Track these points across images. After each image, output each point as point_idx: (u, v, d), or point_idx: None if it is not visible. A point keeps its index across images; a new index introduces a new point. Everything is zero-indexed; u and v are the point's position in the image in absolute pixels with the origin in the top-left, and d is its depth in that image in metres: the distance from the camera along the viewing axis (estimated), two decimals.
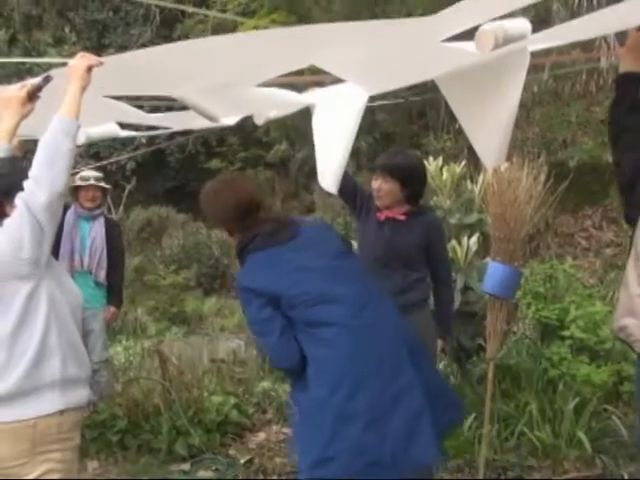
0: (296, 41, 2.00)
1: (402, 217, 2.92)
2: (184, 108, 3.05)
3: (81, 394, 2.08)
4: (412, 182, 2.91)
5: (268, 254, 2.17)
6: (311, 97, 2.99)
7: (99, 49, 2.49)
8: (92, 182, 4.33)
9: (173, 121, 3.63)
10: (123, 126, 3.69)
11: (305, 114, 3.15)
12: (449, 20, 1.83)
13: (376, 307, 2.16)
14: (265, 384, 4.71)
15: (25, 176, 1.98)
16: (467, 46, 2.04)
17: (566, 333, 3.86)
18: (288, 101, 3.00)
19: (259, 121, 3.45)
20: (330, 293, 2.11)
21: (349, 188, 3.04)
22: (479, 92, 2.33)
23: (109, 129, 3.56)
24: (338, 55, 2.14)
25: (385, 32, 1.93)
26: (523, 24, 1.92)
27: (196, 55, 2.13)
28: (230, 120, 3.74)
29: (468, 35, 1.96)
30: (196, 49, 2.11)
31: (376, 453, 2.00)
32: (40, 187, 1.93)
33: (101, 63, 2.07)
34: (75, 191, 4.33)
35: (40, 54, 10.81)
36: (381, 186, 2.89)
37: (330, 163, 2.74)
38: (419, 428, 2.03)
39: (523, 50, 2.17)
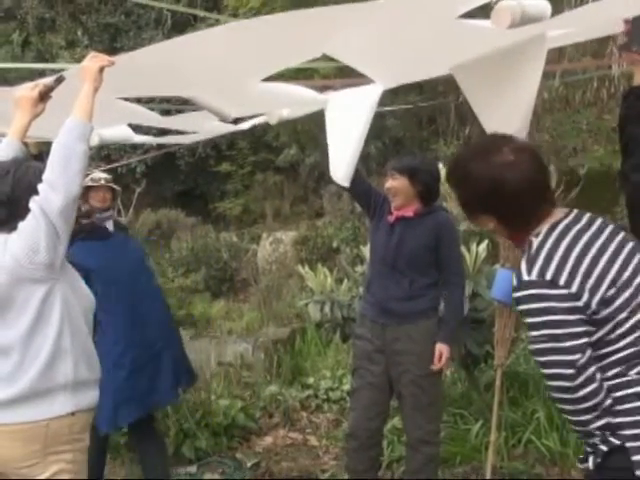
0: (307, 28, 1.96)
1: (411, 214, 2.93)
2: (196, 111, 3.06)
3: (92, 396, 2.10)
4: (421, 177, 2.94)
5: (90, 243, 3.14)
6: (325, 95, 2.99)
7: (111, 52, 2.51)
8: (103, 183, 4.35)
9: (186, 124, 3.63)
10: (135, 129, 3.72)
11: (316, 119, 3.15)
12: None
13: (151, 297, 3.29)
14: (272, 388, 4.72)
15: (36, 177, 1.97)
16: (484, 23, 2.00)
17: None
18: (302, 97, 2.99)
19: (272, 120, 3.45)
20: (122, 279, 3.14)
21: (363, 190, 3.06)
22: (496, 82, 2.28)
23: (123, 133, 3.57)
24: (351, 42, 2.09)
25: (400, 11, 1.88)
26: (543, 4, 1.88)
27: (206, 47, 2.09)
28: (244, 125, 3.75)
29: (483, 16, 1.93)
30: (206, 40, 2.06)
31: (130, 391, 3.06)
32: (55, 191, 1.92)
33: (112, 63, 2.06)
34: (85, 192, 4.35)
35: (53, 57, 10.88)
36: (391, 184, 2.96)
37: (342, 156, 2.73)
38: (161, 380, 3.17)
39: (541, 37, 2.13)
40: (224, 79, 2.46)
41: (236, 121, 3.69)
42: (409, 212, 2.94)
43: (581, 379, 1.50)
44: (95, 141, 3.53)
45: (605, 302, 1.52)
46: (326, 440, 4.15)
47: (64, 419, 1.98)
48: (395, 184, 2.95)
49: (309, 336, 5.72)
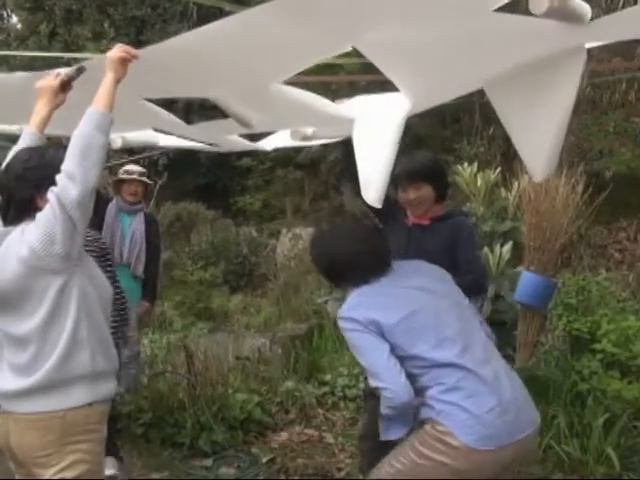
0: (336, 19, 1.88)
1: (427, 222, 2.87)
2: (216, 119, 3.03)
3: (109, 387, 2.09)
4: (443, 180, 2.86)
5: None
6: (350, 110, 2.93)
7: (137, 45, 2.51)
8: (136, 177, 4.37)
9: (210, 135, 3.58)
10: (158, 131, 3.70)
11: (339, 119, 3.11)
12: None
13: None
14: (289, 384, 4.71)
15: (55, 167, 1.95)
16: (519, 17, 1.91)
17: (597, 347, 3.78)
18: (327, 113, 2.92)
19: (295, 138, 3.42)
20: None
21: None
22: (529, 97, 2.18)
23: (148, 136, 3.57)
24: (382, 42, 2.01)
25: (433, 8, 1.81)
26: (583, 4, 1.78)
27: (230, 40, 2.05)
28: (267, 145, 3.73)
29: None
30: (230, 31, 2.02)
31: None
32: (73, 182, 1.90)
33: (135, 56, 2.05)
34: (118, 184, 4.38)
35: (79, 48, 10.96)
36: (417, 194, 2.83)
37: (373, 177, 2.67)
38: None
39: (579, 49, 2.03)
40: (246, 75, 2.40)
41: (259, 139, 3.69)
42: (425, 220, 2.87)
43: None
44: (118, 144, 3.53)
45: None
46: (342, 438, 4.13)
47: (81, 410, 1.98)
48: (421, 194, 2.83)
49: (326, 333, 5.70)
